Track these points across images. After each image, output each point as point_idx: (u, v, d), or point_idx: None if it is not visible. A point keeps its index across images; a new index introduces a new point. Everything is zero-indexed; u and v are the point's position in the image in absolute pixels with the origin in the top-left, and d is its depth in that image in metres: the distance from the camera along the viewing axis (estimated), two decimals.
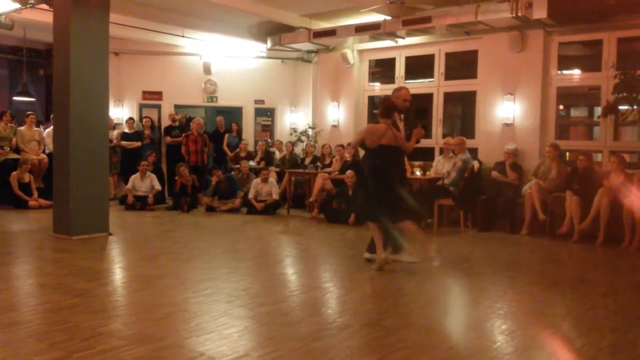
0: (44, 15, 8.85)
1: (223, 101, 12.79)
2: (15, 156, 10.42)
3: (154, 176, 10.73)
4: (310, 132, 12.06)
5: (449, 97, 10.60)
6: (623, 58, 8.49)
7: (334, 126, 11.74)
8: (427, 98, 10.65)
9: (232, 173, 11.23)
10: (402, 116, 6.18)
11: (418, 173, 9.30)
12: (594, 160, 8.80)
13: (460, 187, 8.71)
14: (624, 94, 7.77)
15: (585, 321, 4.32)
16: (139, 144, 11.65)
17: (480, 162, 9.23)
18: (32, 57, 13.14)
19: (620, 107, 8.14)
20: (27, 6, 8.50)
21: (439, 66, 10.39)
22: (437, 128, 10.47)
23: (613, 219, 7.54)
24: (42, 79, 13.97)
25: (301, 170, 10.82)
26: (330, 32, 10.59)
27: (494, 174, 8.99)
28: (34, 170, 10.37)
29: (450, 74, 10.38)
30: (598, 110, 9.07)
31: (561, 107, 9.75)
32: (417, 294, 5.12)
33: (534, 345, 3.80)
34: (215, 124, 12.68)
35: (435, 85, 10.50)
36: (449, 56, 10.36)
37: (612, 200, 7.52)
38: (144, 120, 12.03)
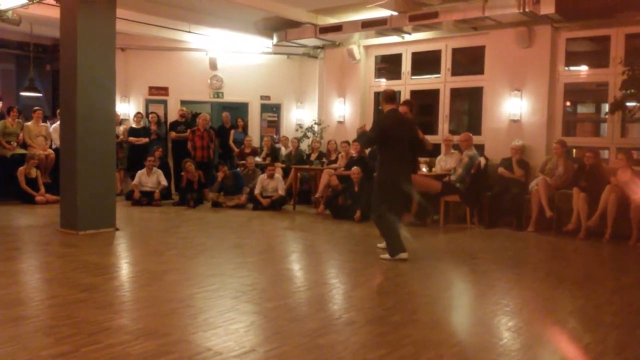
0: (51, 11, 8.87)
1: (229, 97, 12.80)
2: (23, 151, 10.46)
3: (160, 172, 10.76)
4: (316, 128, 12.05)
5: (455, 93, 10.57)
6: (631, 54, 8.43)
7: (340, 122, 11.73)
8: (434, 94, 10.63)
9: (238, 169, 11.24)
10: None
11: (424, 169, 9.29)
12: (601, 157, 8.76)
13: (467, 184, 8.68)
14: (632, 91, 7.72)
15: (591, 318, 4.31)
16: (146, 140, 11.67)
17: (486, 159, 9.20)
18: (38, 53, 13.18)
19: (628, 104, 8.10)
20: (34, 1, 8.53)
21: (446, 62, 10.36)
22: (443, 124, 10.44)
23: (620, 215, 7.52)
24: (48, 74, 14.00)
25: (307, 167, 10.81)
26: (337, 28, 10.57)
27: (501, 170, 8.97)
28: (41, 165, 10.41)
29: (457, 70, 10.35)
30: (605, 107, 9.04)
31: (568, 103, 9.70)
32: (423, 290, 5.12)
33: (540, 341, 3.80)
34: (221, 120, 12.69)
35: (441, 81, 10.47)
36: (455, 52, 10.34)
37: (619, 197, 7.50)
38: (150, 115, 12.05)
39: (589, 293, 5.05)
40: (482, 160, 9.02)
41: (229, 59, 12.57)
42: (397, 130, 6.15)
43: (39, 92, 12.90)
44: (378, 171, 6.32)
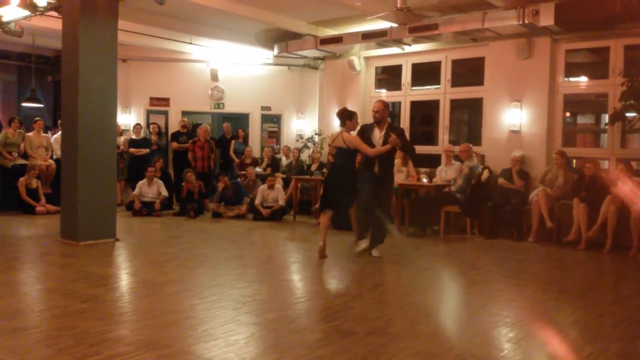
0: (53, 22, 8.92)
1: (230, 108, 12.85)
2: (23, 162, 10.47)
3: (161, 182, 10.76)
4: (316, 138, 12.08)
5: (455, 104, 10.60)
6: (630, 65, 8.47)
7: None
8: (434, 105, 10.66)
9: (239, 179, 11.25)
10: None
11: (425, 180, 9.29)
12: (601, 167, 8.77)
13: (467, 194, 8.69)
14: (631, 102, 7.74)
15: (592, 329, 4.31)
16: (147, 150, 11.69)
17: (490, 171, 9.20)
18: (40, 64, 13.25)
19: (628, 115, 8.12)
20: (37, 13, 8.57)
21: (446, 73, 10.40)
22: (443, 135, 10.46)
23: (620, 226, 7.51)
24: (50, 85, 14.08)
25: (307, 177, 10.81)
26: (337, 39, 10.63)
27: (501, 181, 8.97)
28: (41, 176, 10.42)
29: (456, 81, 10.38)
30: (605, 118, 9.06)
31: (568, 114, 9.73)
32: (423, 301, 5.11)
33: (541, 353, 3.79)
34: (222, 131, 12.73)
35: (441, 92, 10.50)
36: (455, 63, 10.37)
37: (620, 208, 7.50)
38: (151, 126, 12.09)
39: (590, 304, 5.05)
40: (485, 173, 9.02)
41: (230, 70, 12.62)
42: None
43: (40, 102, 12.95)
44: None
